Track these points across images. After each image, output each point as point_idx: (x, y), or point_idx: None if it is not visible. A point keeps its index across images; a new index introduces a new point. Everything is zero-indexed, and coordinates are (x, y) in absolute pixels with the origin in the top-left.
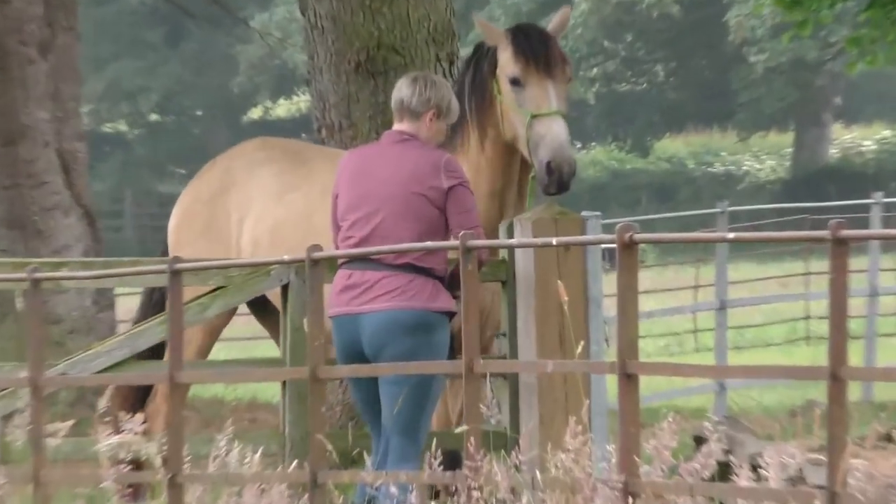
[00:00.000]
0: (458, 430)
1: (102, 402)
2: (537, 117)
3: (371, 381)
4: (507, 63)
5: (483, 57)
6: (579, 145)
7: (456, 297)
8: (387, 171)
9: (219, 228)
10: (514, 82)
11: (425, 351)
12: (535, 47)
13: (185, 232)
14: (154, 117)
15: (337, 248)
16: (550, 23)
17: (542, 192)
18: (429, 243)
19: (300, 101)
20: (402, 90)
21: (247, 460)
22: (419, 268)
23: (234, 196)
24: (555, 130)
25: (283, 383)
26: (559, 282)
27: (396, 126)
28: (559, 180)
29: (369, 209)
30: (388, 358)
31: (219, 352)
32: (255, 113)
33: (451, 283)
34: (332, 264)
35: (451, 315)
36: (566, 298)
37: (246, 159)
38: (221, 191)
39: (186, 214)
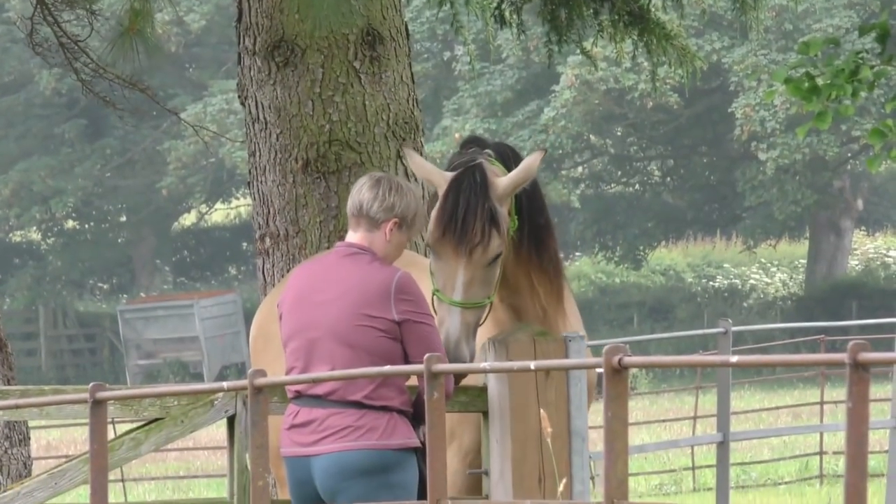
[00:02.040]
0: None
1: None
2: (438, 298)
3: None
4: (430, 221)
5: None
6: (560, 255)
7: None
8: (330, 293)
9: None
10: (429, 247)
11: (384, 494)
12: (457, 217)
13: (261, 352)
14: (71, 224)
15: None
16: (517, 170)
17: None
18: (387, 367)
19: (240, 206)
20: (361, 192)
21: None
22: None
23: None
24: (446, 326)
25: None
26: (542, 411)
27: (350, 235)
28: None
29: (310, 337)
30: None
31: (149, 492)
32: (188, 219)
33: (419, 412)
34: (282, 393)
35: (416, 450)
36: (550, 430)
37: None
38: None
39: (261, 331)
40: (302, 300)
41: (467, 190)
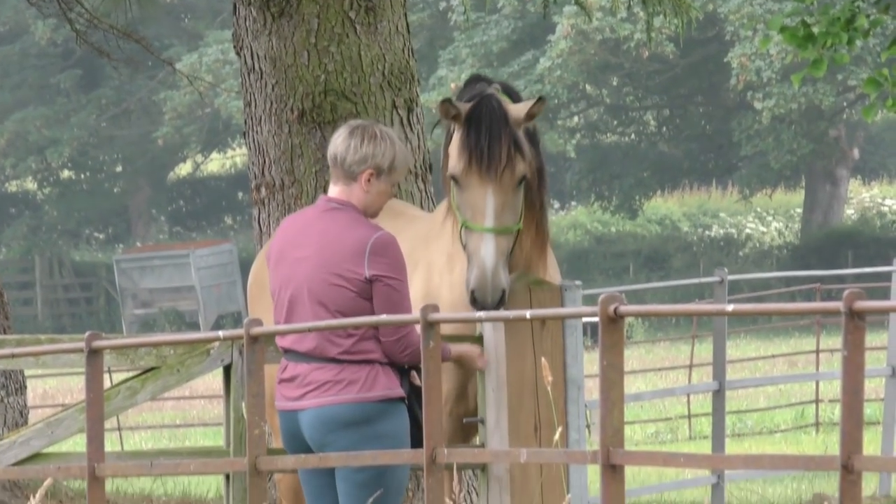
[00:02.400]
0: None
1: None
2: (468, 229)
3: (320, 476)
4: (452, 153)
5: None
6: (557, 205)
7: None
8: (308, 249)
9: None
10: (455, 180)
11: (373, 444)
12: (480, 147)
13: (257, 298)
14: (67, 174)
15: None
16: (522, 105)
17: None
18: (383, 317)
19: (235, 156)
20: (335, 144)
21: None
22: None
23: None
24: (481, 255)
25: (227, 477)
26: (543, 359)
27: (331, 188)
28: (482, 308)
29: (290, 294)
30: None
31: (145, 440)
32: (184, 169)
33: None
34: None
35: (402, 399)
36: (550, 378)
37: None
38: None
39: (257, 279)
40: (283, 255)
41: (487, 117)
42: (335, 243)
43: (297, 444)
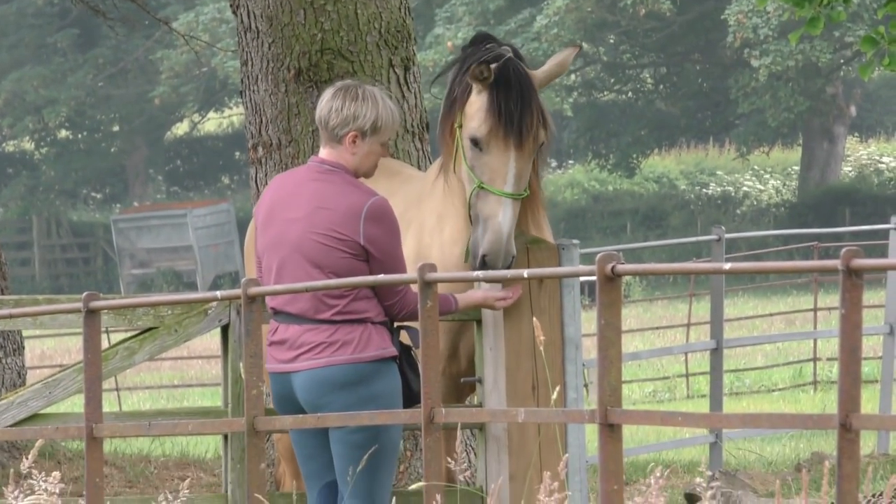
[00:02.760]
0: (414, 487)
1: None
2: (485, 190)
3: (314, 437)
4: (474, 116)
5: (462, 73)
6: (554, 164)
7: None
8: (300, 211)
9: None
10: (474, 143)
11: (367, 405)
12: (510, 112)
13: (251, 259)
14: (64, 134)
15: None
16: (550, 61)
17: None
18: (381, 276)
19: (232, 115)
20: (321, 106)
21: None
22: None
23: None
24: (498, 220)
25: (225, 438)
26: (535, 319)
27: (321, 150)
28: (482, 268)
29: (280, 255)
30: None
31: (143, 401)
32: (181, 128)
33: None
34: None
35: (394, 358)
36: (542, 338)
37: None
38: None
39: (252, 238)
40: (273, 216)
41: (517, 82)
42: (329, 206)
43: (289, 406)
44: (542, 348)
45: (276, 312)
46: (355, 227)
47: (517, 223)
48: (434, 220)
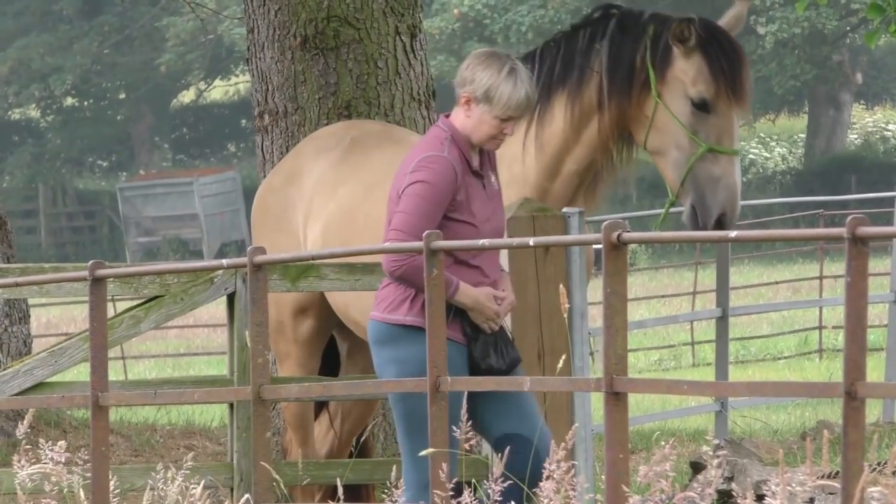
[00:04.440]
0: (423, 453)
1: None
2: (714, 153)
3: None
4: (696, 79)
5: (637, 36)
6: None
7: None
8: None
9: (288, 222)
10: (700, 106)
11: (392, 367)
12: (734, 71)
13: (259, 225)
14: (70, 102)
15: None
16: (725, 18)
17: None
18: (386, 245)
19: (238, 83)
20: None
21: (191, 494)
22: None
23: (299, 188)
24: (734, 178)
25: (231, 407)
26: (561, 286)
27: None
28: (718, 228)
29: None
30: None
31: (149, 369)
32: (187, 96)
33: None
34: (282, 270)
35: (419, 329)
36: (567, 305)
37: (316, 144)
38: (289, 180)
39: (261, 204)
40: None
41: (725, 41)
42: (407, 158)
43: None
44: (565, 315)
45: None
46: (407, 178)
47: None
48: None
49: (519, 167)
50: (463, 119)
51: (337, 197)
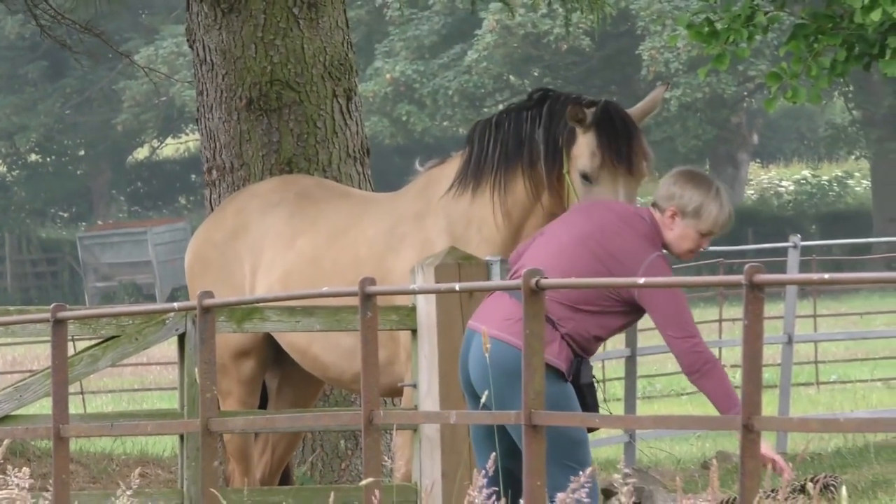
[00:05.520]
0: (362, 483)
1: None
2: None
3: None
4: (583, 153)
5: (559, 119)
6: None
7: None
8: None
9: (232, 274)
10: (585, 178)
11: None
12: (619, 144)
13: (198, 277)
14: (34, 158)
15: None
16: (643, 101)
17: None
18: (324, 289)
19: (189, 141)
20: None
21: None
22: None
23: (245, 241)
24: None
25: (182, 438)
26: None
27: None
28: None
29: None
30: None
31: (106, 403)
32: (142, 153)
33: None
34: (228, 313)
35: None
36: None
37: (260, 201)
38: (234, 235)
39: (199, 257)
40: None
41: (617, 122)
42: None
43: None
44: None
45: None
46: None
47: None
48: (444, 240)
49: (488, 230)
50: (667, 231)
51: (296, 247)
